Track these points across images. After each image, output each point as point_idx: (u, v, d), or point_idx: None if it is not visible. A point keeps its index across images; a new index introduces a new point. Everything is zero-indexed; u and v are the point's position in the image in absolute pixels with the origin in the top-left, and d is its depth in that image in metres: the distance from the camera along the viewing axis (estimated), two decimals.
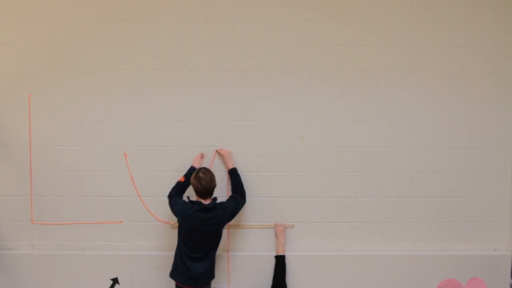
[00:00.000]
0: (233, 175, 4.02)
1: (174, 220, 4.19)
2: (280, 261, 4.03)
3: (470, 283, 4.09)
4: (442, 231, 4.23)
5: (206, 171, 3.80)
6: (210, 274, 3.83)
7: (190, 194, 3.95)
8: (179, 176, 4.08)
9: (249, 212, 4.18)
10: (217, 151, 4.12)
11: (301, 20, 4.11)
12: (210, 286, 3.90)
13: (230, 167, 4.06)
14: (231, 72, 4.13)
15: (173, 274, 3.84)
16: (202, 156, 4.07)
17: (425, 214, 4.22)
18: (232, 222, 4.03)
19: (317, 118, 4.15)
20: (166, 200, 4.12)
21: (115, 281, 4.15)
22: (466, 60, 4.15)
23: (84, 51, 4.11)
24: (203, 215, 3.70)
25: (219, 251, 4.18)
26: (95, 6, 4.09)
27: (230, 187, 4.09)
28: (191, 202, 3.78)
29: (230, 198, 3.93)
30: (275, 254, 4.12)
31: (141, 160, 4.16)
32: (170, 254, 4.13)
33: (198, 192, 3.77)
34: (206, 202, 3.76)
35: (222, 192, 4.16)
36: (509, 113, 4.20)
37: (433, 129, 4.18)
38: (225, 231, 4.16)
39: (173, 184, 3.98)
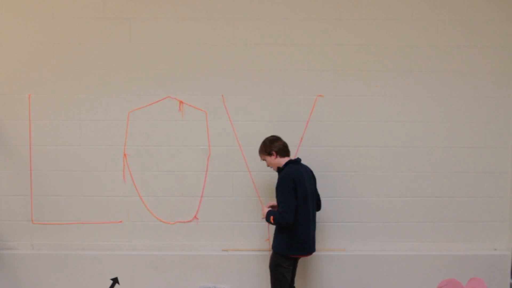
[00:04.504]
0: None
1: (173, 219, 4.20)
2: None
3: (470, 283, 4.07)
4: (442, 231, 4.23)
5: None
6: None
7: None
8: (179, 176, 4.14)
9: (250, 213, 4.18)
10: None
11: (301, 20, 4.11)
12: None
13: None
14: (231, 71, 4.13)
15: None
16: None
17: (425, 214, 4.21)
18: (232, 222, 4.11)
19: (317, 118, 4.15)
20: (166, 200, 4.15)
21: (115, 281, 4.15)
22: (466, 60, 4.15)
23: (84, 51, 4.12)
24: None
25: (217, 251, 4.19)
26: (95, 6, 4.09)
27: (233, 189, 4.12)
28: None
29: None
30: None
31: (141, 160, 4.16)
32: (170, 254, 4.15)
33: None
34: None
35: (227, 192, 4.17)
36: (509, 113, 4.20)
37: (433, 129, 4.18)
38: (227, 229, 4.19)
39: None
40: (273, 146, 3.67)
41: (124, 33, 4.11)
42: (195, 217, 4.20)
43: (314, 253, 4.11)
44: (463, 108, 4.17)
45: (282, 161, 3.69)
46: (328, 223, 4.19)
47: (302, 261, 4.06)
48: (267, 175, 4.15)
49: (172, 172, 4.16)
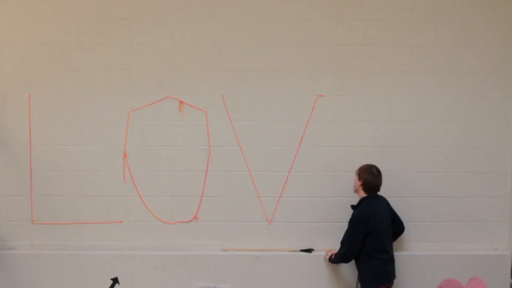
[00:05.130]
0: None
1: (173, 219, 4.20)
2: None
3: (470, 283, 4.08)
4: (442, 231, 4.23)
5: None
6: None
7: None
8: (179, 176, 4.14)
9: (248, 212, 4.18)
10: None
11: (301, 20, 4.11)
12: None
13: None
14: (231, 72, 4.13)
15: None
16: None
17: (425, 214, 4.21)
18: (232, 222, 4.14)
19: (317, 118, 4.15)
20: (166, 200, 4.15)
21: (115, 281, 4.15)
22: (466, 60, 4.15)
23: (84, 51, 4.12)
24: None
25: (217, 251, 4.19)
26: (95, 6, 4.09)
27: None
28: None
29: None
30: (274, 253, 4.14)
31: (141, 160, 4.16)
32: (170, 254, 4.15)
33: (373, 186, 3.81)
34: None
35: (227, 192, 4.17)
36: (509, 113, 4.20)
37: (433, 129, 4.18)
38: (227, 229, 4.20)
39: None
40: (366, 173, 3.77)
41: (124, 33, 4.11)
42: (195, 217, 4.20)
43: (313, 253, 4.14)
44: (463, 108, 4.17)
45: (363, 194, 3.80)
46: (328, 223, 4.19)
47: (297, 259, 4.08)
48: (267, 175, 4.16)
49: (172, 172, 4.16)
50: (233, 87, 4.14)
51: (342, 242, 3.85)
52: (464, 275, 4.10)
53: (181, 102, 4.14)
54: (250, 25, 4.10)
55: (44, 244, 4.21)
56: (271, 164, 4.17)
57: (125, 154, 4.16)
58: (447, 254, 4.18)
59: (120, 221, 4.20)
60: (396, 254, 4.15)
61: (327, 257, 4.02)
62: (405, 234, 4.20)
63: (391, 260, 3.81)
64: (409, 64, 4.14)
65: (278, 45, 4.11)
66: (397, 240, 4.11)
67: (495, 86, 4.17)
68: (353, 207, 3.86)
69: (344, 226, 4.23)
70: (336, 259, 3.90)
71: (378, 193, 3.85)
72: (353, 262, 3.86)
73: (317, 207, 4.19)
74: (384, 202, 3.86)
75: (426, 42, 4.13)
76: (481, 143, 4.19)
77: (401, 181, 4.19)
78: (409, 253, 4.19)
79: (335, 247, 4.21)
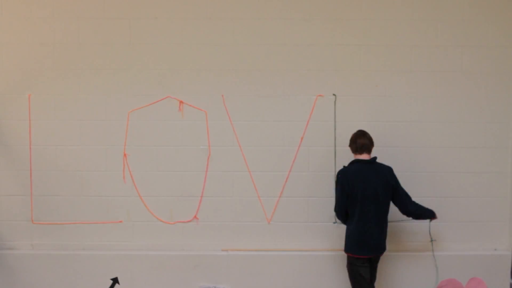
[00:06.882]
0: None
1: (173, 219, 4.20)
2: None
3: (470, 283, 4.08)
4: (442, 231, 4.23)
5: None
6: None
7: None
8: (179, 176, 4.14)
9: (248, 212, 4.18)
10: None
11: (301, 20, 4.11)
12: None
13: None
14: (231, 71, 4.13)
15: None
16: None
17: None
18: (232, 222, 4.14)
19: (317, 118, 4.15)
20: (166, 200, 4.15)
21: (115, 281, 4.15)
22: (466, 60, 4.15)
23: (84, 51, 4.12)
24: None
25: (217, 251, 4.19)
26: (95, 6, 4.09)
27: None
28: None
29: None
30: (274, 253, 4.14)
31: (141, 160, 4.16)
32: (170, 254, 4.15)
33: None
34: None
35: (227, 192, 4.17)
36: (509, 113, 4.19)
37: (433, 129, 4.18)
38: (227, 229, 4.19)
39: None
40: (352, 141, 3.81)
41: (124, 33, 4.11)
42: (195, 217, 4.20)
43: (312, 253, 4.14)
44: (463, 108, 4.17)
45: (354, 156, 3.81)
46: (328, 223, 4.19)
47: (296, 259, 4.08)
48: (267, 175, 4.16)
49: (172, 172, 4.16)
50: (233, 87, 4.14)
51: None
52: (464, 275, 4.09)
53: (181, 102, 4.15)
54: (250, 25, 4.10)
55: (44, 244, 4.21)
56: (271, 164, 4.17)
57: (125, 154, 4.16)
58: (447, 254, 4.18)
59: (120, 221, 4.20)
60: (396, 254, 4.16)
61: None
62: (405, 234, 4.20)
63: (373, 231, 3.67)
64: (409, 64, 4.14)
65: (278, 45, 4.11)
66: (397, 240, 4.12)
67: (495, 86, 4.17)
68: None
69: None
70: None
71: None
72: None
73: (317, 207, 4.19)
74: (379, 168, 3.76)
75: (426, 42, 4.13)
76: (481, 143, 4.19)
77: (401, 181, 4.18)
78: (409, 253, 4.19)
79: (335, 246, 4.22)
